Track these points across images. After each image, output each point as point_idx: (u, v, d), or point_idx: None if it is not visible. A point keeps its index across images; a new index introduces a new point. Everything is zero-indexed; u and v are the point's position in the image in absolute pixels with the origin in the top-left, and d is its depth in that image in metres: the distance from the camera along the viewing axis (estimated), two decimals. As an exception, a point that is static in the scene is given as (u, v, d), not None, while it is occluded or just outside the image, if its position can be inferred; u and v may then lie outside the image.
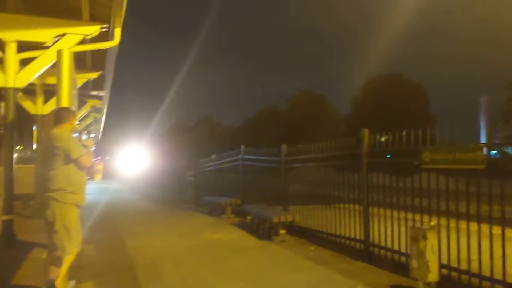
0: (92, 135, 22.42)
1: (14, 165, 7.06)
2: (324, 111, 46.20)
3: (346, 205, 6.44)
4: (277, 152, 8.66)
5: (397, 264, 5.16)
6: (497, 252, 3.95)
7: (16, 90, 6.89)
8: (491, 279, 4.03)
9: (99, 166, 31.67)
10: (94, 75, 10.93)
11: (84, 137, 18.68)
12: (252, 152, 10.32)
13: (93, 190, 19.38)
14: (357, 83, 46.60)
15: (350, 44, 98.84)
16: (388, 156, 5.54)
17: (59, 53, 5.10)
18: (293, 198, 8.25)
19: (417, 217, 4.88)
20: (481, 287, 4.13)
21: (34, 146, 13.44)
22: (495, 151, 4.44)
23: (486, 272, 4.08)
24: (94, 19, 7.44)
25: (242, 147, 10.97)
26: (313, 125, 42.30)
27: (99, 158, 36.63)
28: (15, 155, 7.13)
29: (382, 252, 5.53)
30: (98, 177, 31.04)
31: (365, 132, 5.89)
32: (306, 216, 7.53)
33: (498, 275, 3.97)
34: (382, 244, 5.52)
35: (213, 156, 13.62)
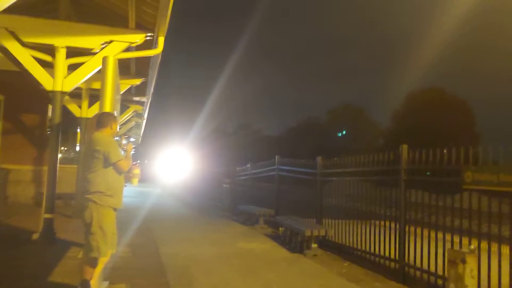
0: (132, 140, 23.06)
1: (58, 165, 7.35)
2: (363, 124, 45.51)
3: (382, 222, 6.27)
4: (313, 164, 8.58)
5: (433, 287, 4.95)
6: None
7: (63, 93, 7.20)
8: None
9: (137, 171, 32.44)
10: (137, 81, 11.29)
11: (124, 141, 19.26)
12: (288, 163, 10.28)
13: (131, 194, 19.88)
14: (398, 97, 45.66)
15: (392, 58, 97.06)
16: (428, 173, 5.35)
17: (105, 59, 5.29)
18: (328, 212, 8.12)
19: (456, 239, 4.68)
20: (524, 318, 3.89)
21: (77, 147, 13.98)
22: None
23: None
24: (139, 27, 7.70)
25: (277, 157, 10.94)
26: (351, 138, 41.71)
27: (137, 162, 37.52)
28: (59, 156, 7.42)
29: (418, 273, 5.33)
30: (136, 181, 31.79)
31: (404, 147, 5.73)
32: (340, 231, 7.38)
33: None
34: (418, 265, 5.33)
35: (248, 165, 13.67)
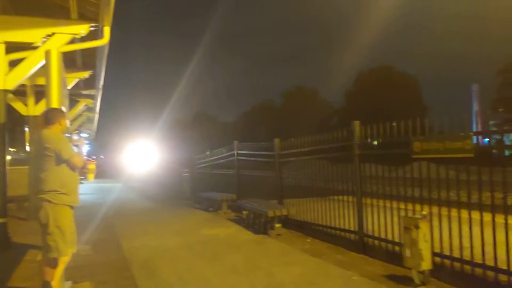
0: (84, 135, 22.30)
1: (7, 167, 7.03)
2: (318, 105, 46.38)
3: (341, 197, 6.48)
4: (271, 147, 8.69)
5: (391, 254, 5.21)
6: (489, 239, 4.00)
7: (6, 91, 6.85)
8: (483, 265, 4.09)
9: (92, 166, 31.51)
10: (85, 74, 10.88)
11: (75, 137, 18.59)
12: (246, 147, 10.35)
13: (88, 190, 19.33)
14: (349, 77, 46.78)
15: (340, 38, 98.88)
16: (375, 143, 5.58)
17: (48, 53, 5.05)
18: (288, 191, 8.29)
19: (410, 207, 4.94)
20: (474, 274, 4.19)
21: (27, 147, 13.38)
22: (488, 139, 4.48)
23: (478, 259, 4.13)
24: (82, 18, 7.39)
25: (235, 142, 10.98)
26: (306, 119, 42.38)
27: (92, 157, 36.43)
28: (7, 157, 7.09)
29: (376, 242, 5.58)
30: (91, 176, 30.92)
31: (356, 124, 5.93)
32: (301, 209, 7.56)
33: (490, 262, 4.02)
34: (376, 234, 5.58)
35: (207, 152, 13.63)
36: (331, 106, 47.78)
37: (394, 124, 5.12)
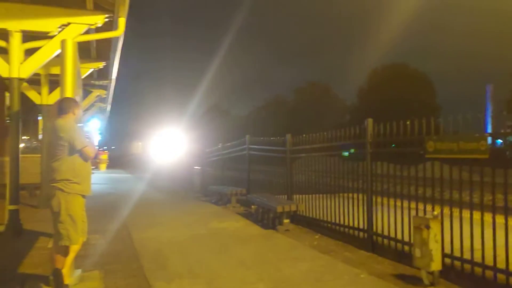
0: (96, 125, 22.48)
1: (20, 155, 7.11)
2: (330, 102, 46.17)
3: (351, 195, 6.45)
4: (282, 142, 8.67)
5: (401, 254, 5.18)
6: (500, 241, 3.95)
7: (21, 80, 6.92)
8: (494, 268, 4.04)
9: (104, 156, 31.81)
10: (99, 65, 10.94)
11: (88, 127, 18.75)
12: (258, 141, 10.34)
13: (100, 180, 19.53)
14: (363, 74, 46.41)
15: (355, 35, 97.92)
16: (393, 145, 5.53)
17: (63, 43, 5.08)
18: (298, 187, 8.27)
19: (421, 207, 4.89)
20: (484, 277, 4.14)
21: (40, 136, 13.53)
22: (501, 141, 4.41)
23: (489, 261, 4.08)
24: (98, 8, 7.42)
25: (247, 137, 10.97)
26: (319, 115, 42.23)
27: (104, 147, 36.80)
28: (21, 145, 7.18)
29: (386, 241, 5.55)
30: (104, 166, 31.23)
31: (370, 121, 5.87)
32: (310, 206, 7.54)
33: (501, 264, 3.97)
34: (386, 233, 5.54)
35: (219, 146, 13.65)
36: (343, 103, 47.53)
37: (408, 122, 5.06)
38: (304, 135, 7.94)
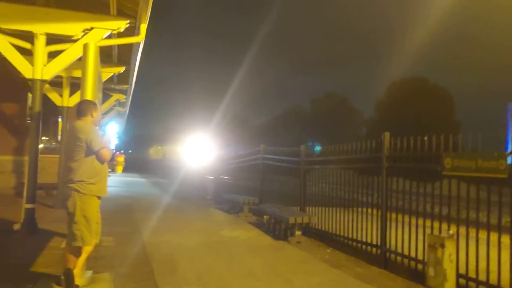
0: (114, 129, 22.79)
1: (39, 155, 7.24)
2: (347, 113, 45.93)
3: (365, 209, 6.37)
4: (297, 153, 8.64)
5: (414, 272, 5.08)
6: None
7: (43, 81, 7.07)
8: (510, 291, 3.93)
9: (121, 159, 32.17)
10: (119, 69, 11.11)
11: (105, 130, 19.01)
12: (272, 151, 10.32)
13: (115, 183, 19.72)
14: (381, 87, 46.09)
15: (375, 47, 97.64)
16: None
17: (85, 46, 5.19)
18: (311, 199, 8.21)
19: (436, 225, 4.80)
20: (500, 300, 4.03)
21: (59, 137, 13.77)
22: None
23: (505, 284, 3.97)
24: (121, 14, 7.56)
25: (261, 146, 10.97)
26: (335, 127, 42.03)
27: (121, 151, 37.23)
28: (40, 146, 7.30)
29: (399, 258, 5.46)
30: (120, 169, 31.57)
31: (386, 135, 5.81)
32: (323, 219, 7.47)
33: (518, 288, 3.86)
34: (399, 250, 5.45)
35: (233, 154, 13.68)
36: (361, 116, 47.21)
37: (425, 138, 4.99)
38: (319, 147, 7.90)
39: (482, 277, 4.21)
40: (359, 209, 6.49)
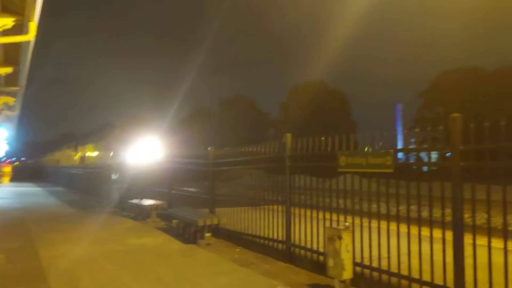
0: (3, 134, 20.74)
1: None
2: (254, 115, 47.16)
3: (271, 207, 6.58)
4: (205, 155, 8.63)
5: (316, 264, 5.37)
6: (404, 249, 4.26)
7: None
8: (398, 275, 4.34)
9: (7, 169, 29.38)
10: (6, 70, 10.11)
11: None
12: (181, 154, 10.18)
13: (4, 194, 17.93)
14: (285, 90, 48.18)
15: (280, 52, 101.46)
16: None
17: (-37, 45, 4.66)
18: (221, 200, 8.26)
19: (335, 217, 5.13)
20: (390, 283, 4.43)
21: None
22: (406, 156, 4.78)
23: (394, 268, 4.37)
24: (6, 11, 6.90)
25: (171, 149, 10.78)
26: (243, 128, 42.81)
27: (12, 159, 34.04)
28: None
29: (303, 252, 5.73)
30: (6, 180, 28.81)
31: (288, 137, 6.08)
32: (232, 219, 7.57)
33: (404, 271, 4.28)
34: (303, 244, 5.73)
35: (141, 158, 13.19)
36: (267, 117, 48.82)
37: (323, 138, 5.32)
38: (227, 149, 7.99)
39: (375, 263, 4.59)
40: (267, 207, 6.68)
